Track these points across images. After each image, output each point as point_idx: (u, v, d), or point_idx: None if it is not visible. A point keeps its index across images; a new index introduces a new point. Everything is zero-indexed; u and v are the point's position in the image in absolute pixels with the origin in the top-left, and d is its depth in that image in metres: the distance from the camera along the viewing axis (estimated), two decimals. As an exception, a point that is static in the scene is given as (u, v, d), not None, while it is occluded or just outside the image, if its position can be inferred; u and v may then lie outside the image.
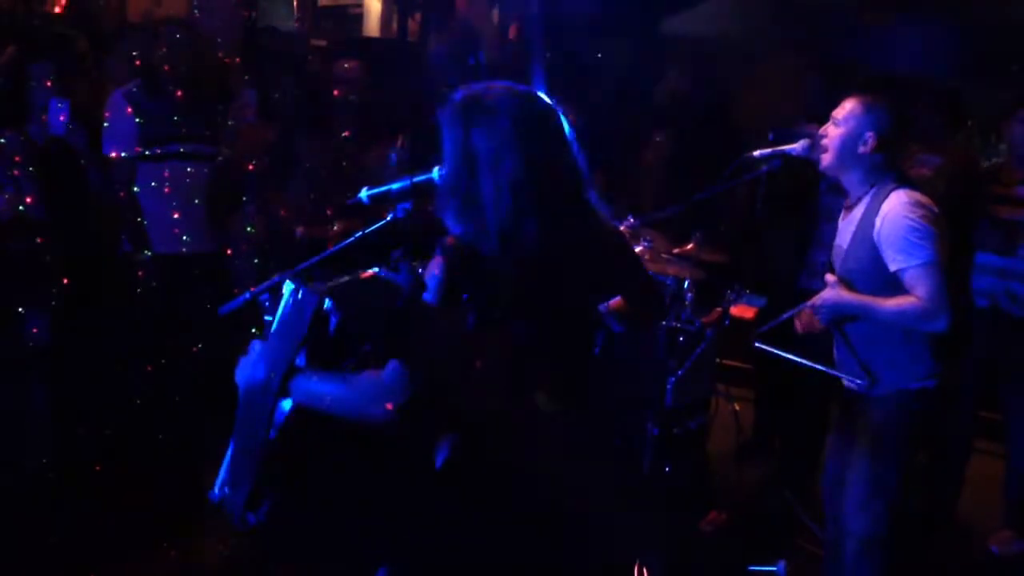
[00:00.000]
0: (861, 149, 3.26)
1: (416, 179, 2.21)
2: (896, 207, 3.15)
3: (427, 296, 1.88)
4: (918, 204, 3.15)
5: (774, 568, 4.01)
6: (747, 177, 3.81)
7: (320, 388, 1.92)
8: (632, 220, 4.26)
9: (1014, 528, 4.56)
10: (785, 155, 3.67)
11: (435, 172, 2.18)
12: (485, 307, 1.87)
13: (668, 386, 4.23)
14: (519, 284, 1.90)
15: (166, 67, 4.55)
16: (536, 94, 2.05)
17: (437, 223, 2.10)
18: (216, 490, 2.07)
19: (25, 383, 4.04)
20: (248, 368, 2.06)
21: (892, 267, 3.14)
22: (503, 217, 1.92)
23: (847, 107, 3.31)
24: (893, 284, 3.16)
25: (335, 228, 4.35)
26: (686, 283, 4.34)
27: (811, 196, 4.68)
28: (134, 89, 4.55)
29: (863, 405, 3.37)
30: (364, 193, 2.29)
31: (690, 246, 4.44)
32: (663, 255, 4.25)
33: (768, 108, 5.39)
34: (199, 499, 4.02)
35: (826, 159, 3.34)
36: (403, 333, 1.83)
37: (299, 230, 4.52)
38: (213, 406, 4.48)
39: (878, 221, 3.17)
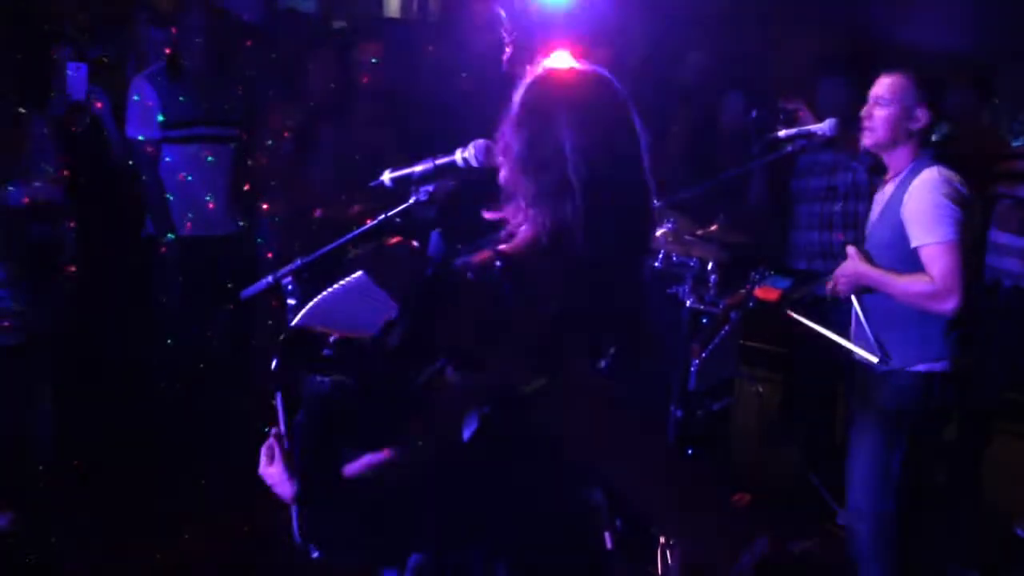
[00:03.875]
0: (914, 126, 3.22)
1: (439, 162, 2.19)
2: (926, 183, 3.13)
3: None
4: (948, 182, 3.12)
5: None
6: (772, 157, 3.79)
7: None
8: (655, 202, 4.22)
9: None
10: (810, 135, 3.64)
11: (457, 155, 2.16)
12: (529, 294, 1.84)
13: (692, 368, 4.21)
14: (569, 282, 1.87)
15: (189, 49, 4.56)
16: (618, 86, 2.01)
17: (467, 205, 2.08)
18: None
19: (38, 369, 4.05)
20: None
21: (912, 243, 3.12)
22: (572, 211, 1.90)
23: (892, 85, 3.26)
24: (913, 260, 3.13)
25: (354, 209, 4.34)
26: (710, 265, 4.30)
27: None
28: (157, 72, 4.56)
29: (874, 383, 3.35)
30: (386, 175, 2.29)
31: (714, 227, 4.40)
32: (686, 236, 4.22)
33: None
34: (217, 491, 4.08)
35: (873, 138, 3.30)
36: (430, 302, 1.79)
37: (317, 212, 4.51)
38: (235, 391, 4.56)
39: (907, 196, 3.15)
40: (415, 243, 1.73)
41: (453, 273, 1.83)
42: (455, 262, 1.85)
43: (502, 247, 1.89)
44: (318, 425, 1.97)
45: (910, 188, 3.17)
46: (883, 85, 3.29)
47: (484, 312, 1.76)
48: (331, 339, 1.91)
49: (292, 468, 2.00)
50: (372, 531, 1.96)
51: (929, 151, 3.24)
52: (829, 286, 3.46)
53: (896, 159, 3.31)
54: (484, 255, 1.84)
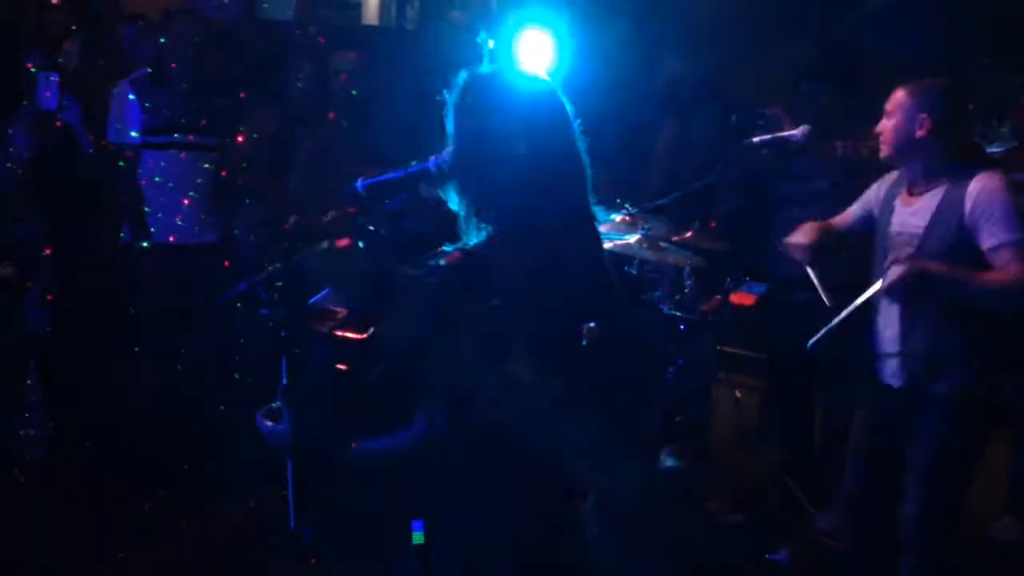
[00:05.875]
0: (919, 133, 3.24)
1: (411, 169, 2.20)
2: (990, 185, 3.13)
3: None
4: (1009, 184, 3.15)
5: (777, 556, 4.01)
6: (745, 163, 3.80)
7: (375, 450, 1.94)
8: (629, 208, 4.24)
9: (1017, 514, 4.55)
10: (784, 141, 3.65)
11: (431, 162, 2.17)
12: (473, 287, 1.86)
13: (669, 375, 4.23)
14: (513, 268, 1.89)
15: (173, 57, 4.55)
16: (549, 83, 2.04)
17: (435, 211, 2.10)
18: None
19: (22, 376, 4.03)
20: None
21: (988, 242, 3.08)
22: (511, 202, 1.91)
23: (894, 98, 3.30)
24: (976, 268, 3.13)
25: (327, 217, 4.34)
26: (685, 271, 4.32)
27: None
28: (141, 79, 4.55)
29: (917, 408, 3.31)
30: (359, 183, 2.29)
31: (689, 234, 4.42)
32: (662, 243, 4.23)
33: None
34: (197, 492, 4.06)
35: (885, 151, 3.33)
36: (380, 299, 1.84)
37: (292, 219, 4.51)
38: (212, 397, 4.54)
39: (968, 203, 3.14)
40: (361, 244, 1.76)
41: (403, 272, 1.86)
42: (410, 264, 1.87)
43: (467, 247, 1.91)
44: (322, 374, 2.02)
45: (968, 195, 3.16)
46: (889, 100, 3.33)
47: (434, 307, 1.79)
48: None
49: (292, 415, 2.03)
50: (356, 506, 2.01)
51: (966, 159, 3.24)
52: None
53: (915, 170, 3.31)
54: (454, 255, 1.86)
